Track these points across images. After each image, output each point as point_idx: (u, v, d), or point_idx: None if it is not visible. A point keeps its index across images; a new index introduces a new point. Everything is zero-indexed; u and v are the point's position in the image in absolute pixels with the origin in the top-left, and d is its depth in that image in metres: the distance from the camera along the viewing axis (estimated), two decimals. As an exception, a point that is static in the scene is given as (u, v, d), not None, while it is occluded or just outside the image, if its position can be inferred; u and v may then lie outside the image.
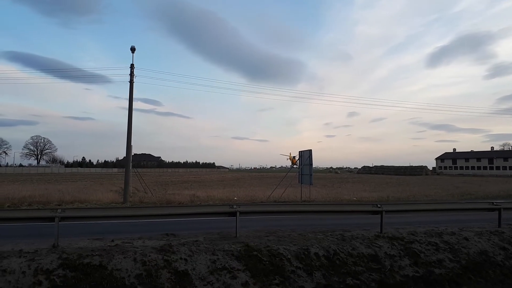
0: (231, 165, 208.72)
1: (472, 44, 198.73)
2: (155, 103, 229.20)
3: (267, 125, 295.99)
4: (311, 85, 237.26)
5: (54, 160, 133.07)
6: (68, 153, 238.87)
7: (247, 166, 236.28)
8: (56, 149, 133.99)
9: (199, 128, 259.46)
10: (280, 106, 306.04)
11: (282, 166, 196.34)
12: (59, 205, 16.64)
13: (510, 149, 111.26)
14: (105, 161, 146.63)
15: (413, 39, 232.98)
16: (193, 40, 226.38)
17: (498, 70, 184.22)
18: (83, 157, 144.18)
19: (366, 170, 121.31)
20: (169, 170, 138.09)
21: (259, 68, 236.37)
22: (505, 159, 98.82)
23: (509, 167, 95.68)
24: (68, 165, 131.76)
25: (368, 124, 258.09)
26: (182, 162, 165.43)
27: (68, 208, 8.38)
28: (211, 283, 5.94)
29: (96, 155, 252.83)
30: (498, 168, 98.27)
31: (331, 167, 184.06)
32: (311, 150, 21.70)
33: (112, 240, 7.61)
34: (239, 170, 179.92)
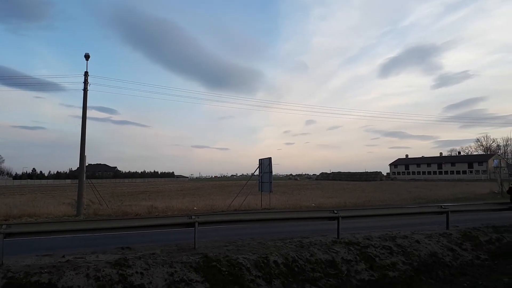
0: (191, 174, 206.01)
1: (419, 56, 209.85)
2: (111, 112, 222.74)
3: (227, 133, 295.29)
4: (270, 94, 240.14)
5: (1, 172, 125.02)
6: (17, 164, 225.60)
7: (207, 175, 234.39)
8: (3, 160, 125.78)
9: (158, 137, 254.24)
10: (240, 114, 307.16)
11: (243, 174, 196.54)
12: (5, 220, 15.62)
13: (457, 154, 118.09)
14: (57, 172, 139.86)
15: (367, 50, 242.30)
16: (151, 49, 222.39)
17: (444, 80, 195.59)
18: (34, 169, 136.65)
19: (324, 176, 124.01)
20: (126, 180, 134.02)
21: (219, 77, 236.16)
22: (453, 164, 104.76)
23: (456, 171, 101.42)
24: (16, 177, 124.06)
25: (325, 132, 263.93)
26: (140, 172, 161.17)
27: (14, 224, 7.89)
28: (168, 296, 5.80)
29: (47, 166, 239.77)
30: (446, 172, 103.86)
31: (291, 174, 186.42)
32: (270, 158, 21.92)
33: (63, 256, 7.23)
34: (199, 179, 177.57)
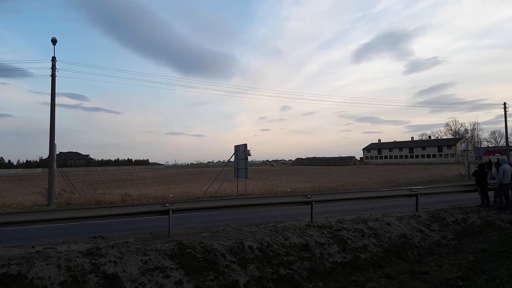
0: (167, 162, 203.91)
1: (391, 42, 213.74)
2: (81, 98, 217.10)
3: (203, 119, 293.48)
4: (244, 80, 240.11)
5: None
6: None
7: (183, 162, 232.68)
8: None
9: (131, 124, 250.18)
10: (215, 100, 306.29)
11: (219, 161, 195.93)
12: (-29, 212, 15.07)
13: (428, 138, 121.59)
14: (27, 161, 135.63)
15: (340, 36, 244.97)
16: (121, 32, 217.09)
17: (415, 66, 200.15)
18: (1, 157, 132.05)
19: (299, 161, 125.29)
20: (99, 168, 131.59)
21: (192, 62, 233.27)
22: (423, 148, 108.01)
23: (427, 155, 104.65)
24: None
25: (300, 118, 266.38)
26: (113, 160, 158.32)
27: (-20, 215, 7.61)
28: (142, 284, 5.77)
29: (16, 155, 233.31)
30: (417, 156, 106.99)
31: (267, 160, 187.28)
32: (246, 144, 21.95)
33: (33, 247, 7.06)
34: (175, 167, 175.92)
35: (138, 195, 20.22)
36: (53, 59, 19.55)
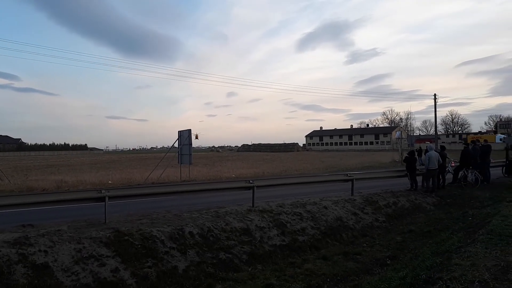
0: (107, 147, 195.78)
1: (334, 32, 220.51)
2: (11, 78, 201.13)
3: (146, 104, 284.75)
4: (190, 64, 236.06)
5: None
6: None
7: (125, 148, 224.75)
8: None
9: (68, 106, 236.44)
10: (159, 84, 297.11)
11: (163, 147, 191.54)
12: None
13: (366, 126, 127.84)
14: None
15: (285, 25, 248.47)
16: (56, 9, 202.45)
17: (355, 57, 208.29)
18: None
19: (245, 148, 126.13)
20: (33, 153, 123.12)
21: (134, 44, 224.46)
22: (361, 136, 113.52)
23: (365, 142, 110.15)
24: None
25: (247, 104, 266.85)
26: (48, 144, 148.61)
27: None
28: (76, 273, 5.55)
29: None
30: (356, 143, 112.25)
31: (214, 146, 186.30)
32: (190, 130, 21.61)
33: (-49, 238, 6.48)
34: (116, 152, 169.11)
35: (75, 182, 19.20)
36: (-24, 33, 17.80)
